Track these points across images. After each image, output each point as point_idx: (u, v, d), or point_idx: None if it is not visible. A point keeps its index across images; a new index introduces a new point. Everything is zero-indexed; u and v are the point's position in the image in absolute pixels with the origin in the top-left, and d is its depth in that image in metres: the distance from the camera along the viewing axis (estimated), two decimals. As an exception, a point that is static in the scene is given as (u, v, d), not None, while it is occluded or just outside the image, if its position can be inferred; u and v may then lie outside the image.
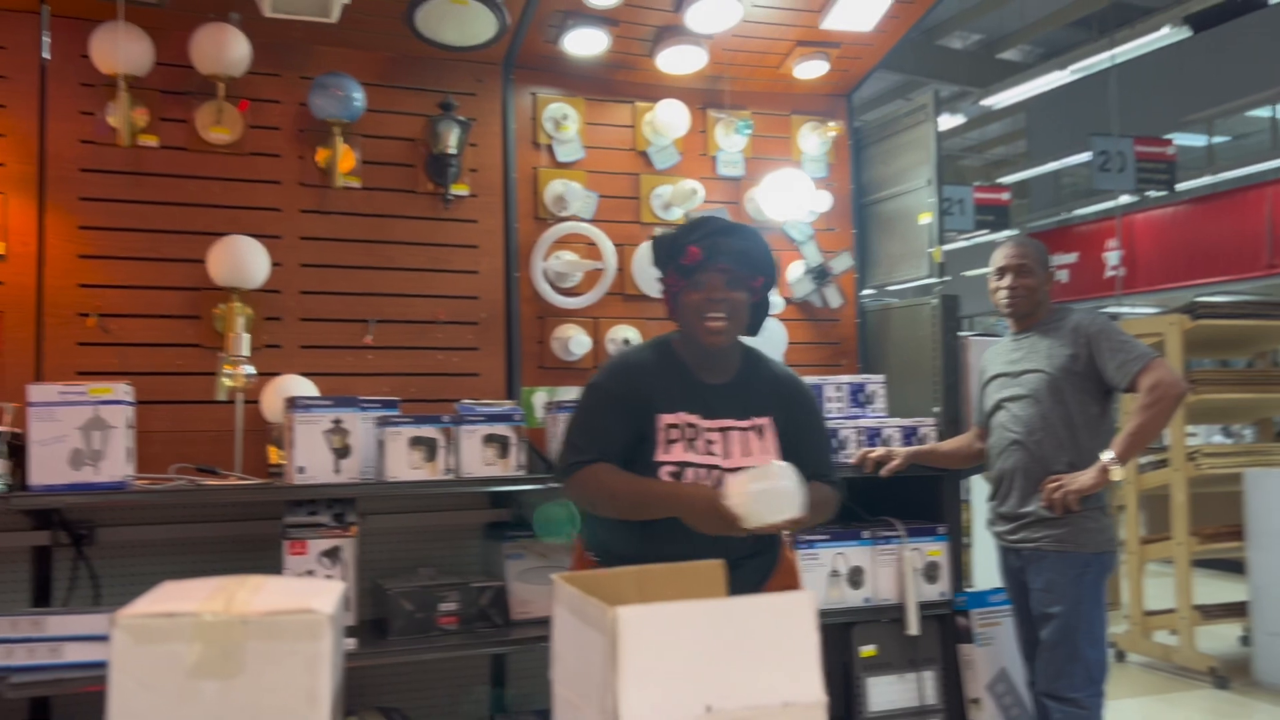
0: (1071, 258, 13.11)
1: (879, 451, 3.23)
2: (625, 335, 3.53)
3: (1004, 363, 3.16)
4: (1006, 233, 12.55)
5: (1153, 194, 11.25)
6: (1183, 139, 13.53)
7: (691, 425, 2.27)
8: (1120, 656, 5.32)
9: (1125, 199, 12.09)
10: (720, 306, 2.23)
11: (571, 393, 3.37)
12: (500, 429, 2.92)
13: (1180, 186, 11.56)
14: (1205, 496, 5.42)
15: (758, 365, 2.41)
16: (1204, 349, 5.88)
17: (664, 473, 2.23)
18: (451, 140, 3.32)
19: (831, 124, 3.82)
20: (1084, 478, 2.93)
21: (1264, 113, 13.22)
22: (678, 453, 2.24)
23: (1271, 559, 4.76)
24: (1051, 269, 3.19)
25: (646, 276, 3.57)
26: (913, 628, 3.24)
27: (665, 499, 2.17)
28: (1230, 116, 13.86)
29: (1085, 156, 11.48)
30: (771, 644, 1.22)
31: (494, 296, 3.45)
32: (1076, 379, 2.98)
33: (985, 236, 12.52)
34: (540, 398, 3.43)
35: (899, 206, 3.76)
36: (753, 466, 2.13)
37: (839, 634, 3.29)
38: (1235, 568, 5.41)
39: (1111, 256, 12.12)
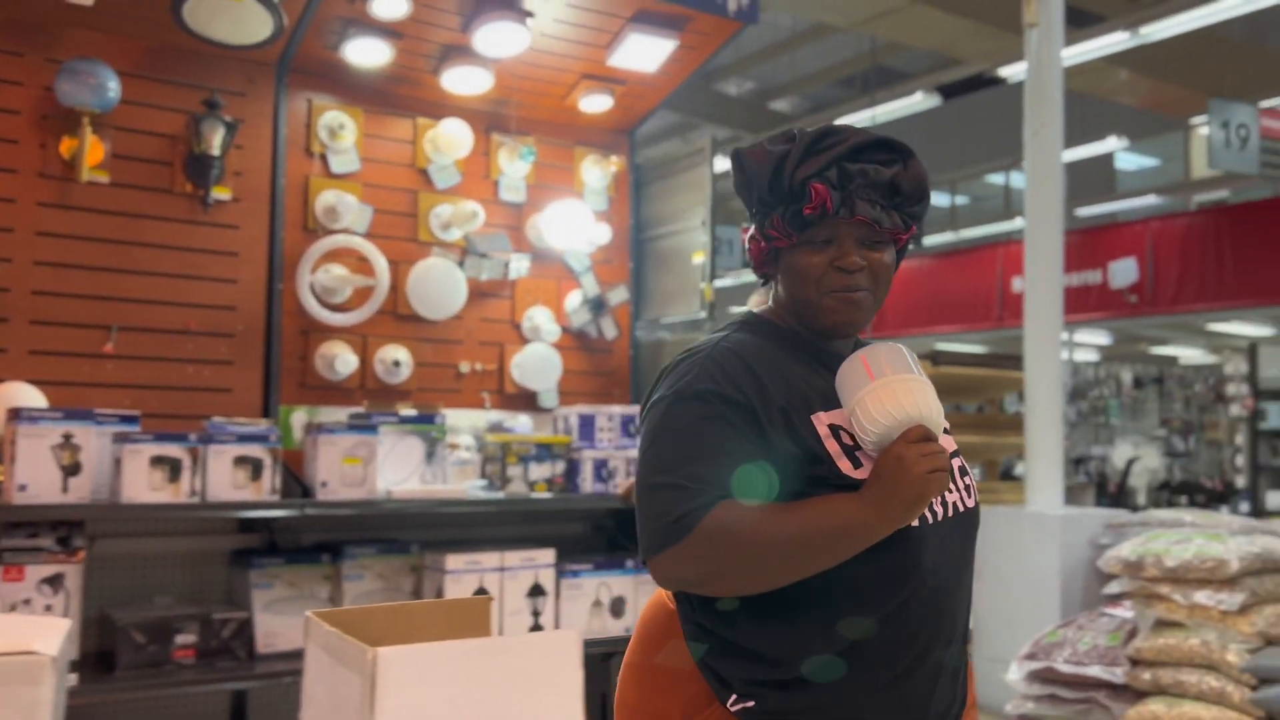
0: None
1: None
2: (396, 356, 3.43)
3: None
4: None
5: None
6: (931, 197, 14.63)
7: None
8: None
9: (878, 249, 12.92)
10: (859, 276, 1.41)
11: (335, 414, 3.24)
12: (253, 450, 2.75)
13: (926, 241, 12.49)
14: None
15: (860, 342, 1.57)
16: (941, 394, 6.35)
17: None
18: (215, 140, 3.13)
19: (614, 158, 3.88)
20: None
21: (999, 179, 14.52)
22: (868, 459, 1.37)
23: (991, 590, 5.16)
24: None
25: (422, 295, 3.48)
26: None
27: (840, 509, 1.30)
28: (971, 180, 15.14)
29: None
30: (536, 683, 1.20)
31: (254, 308, 3.26)
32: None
33: (753, 275, 13.05)
34: (300, 418, 3.27)
35: (674, 244, 3.85)
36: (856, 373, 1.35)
37: (598, 665, 3.30)
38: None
39: (864, 301, 12.91)
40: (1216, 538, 3.96)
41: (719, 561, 1.32)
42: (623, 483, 3.30)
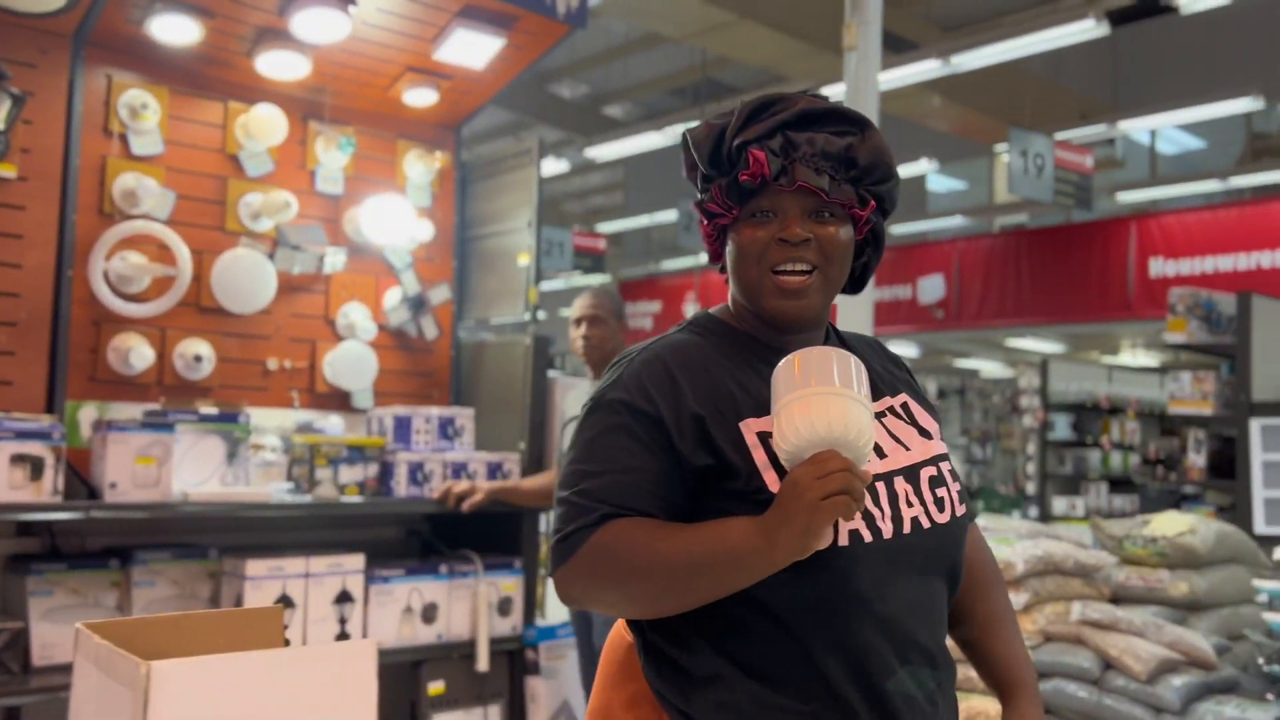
0: (655, 307, 14.08)
1: (463, 485, 3.22)
2: (197, 351, 3.25)
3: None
4: (601, 276, 13.21)
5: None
6: (755, 209, 15.05)
7: None
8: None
9: (705, 258, 13.20)
10: (803, 251, 1.28)
11: (128, 410, 3.04)
12: (33, 447, 2.55)
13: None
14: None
15: (835, 334, 1.46)
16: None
17: None
18: None
19: (438, 153, 3.80)
20: None
21: (821, 194, 15.05)
22: None
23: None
24: (625, 319, 3.41)
25: (228, 287, 3.31)
26: (483, 663, 3.24)
27: (730, 533, 1.20)
28: (794, 194, 15.64)
29: (673, 215, 12.41)
30: (328, 695, 1.15)
31: (40, 295, 3.03)
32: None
33: (583, 279, 13.11)
34: (88, 414, 3.05)
35: (500, 244, 3.81)
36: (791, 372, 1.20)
37: (408, 672, 3.22)
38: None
39: (689, 309, 13.16)
40: (1005, 541, 4.20)
41: (600, 583, 1.24)
42: (439, 486, 3.23)
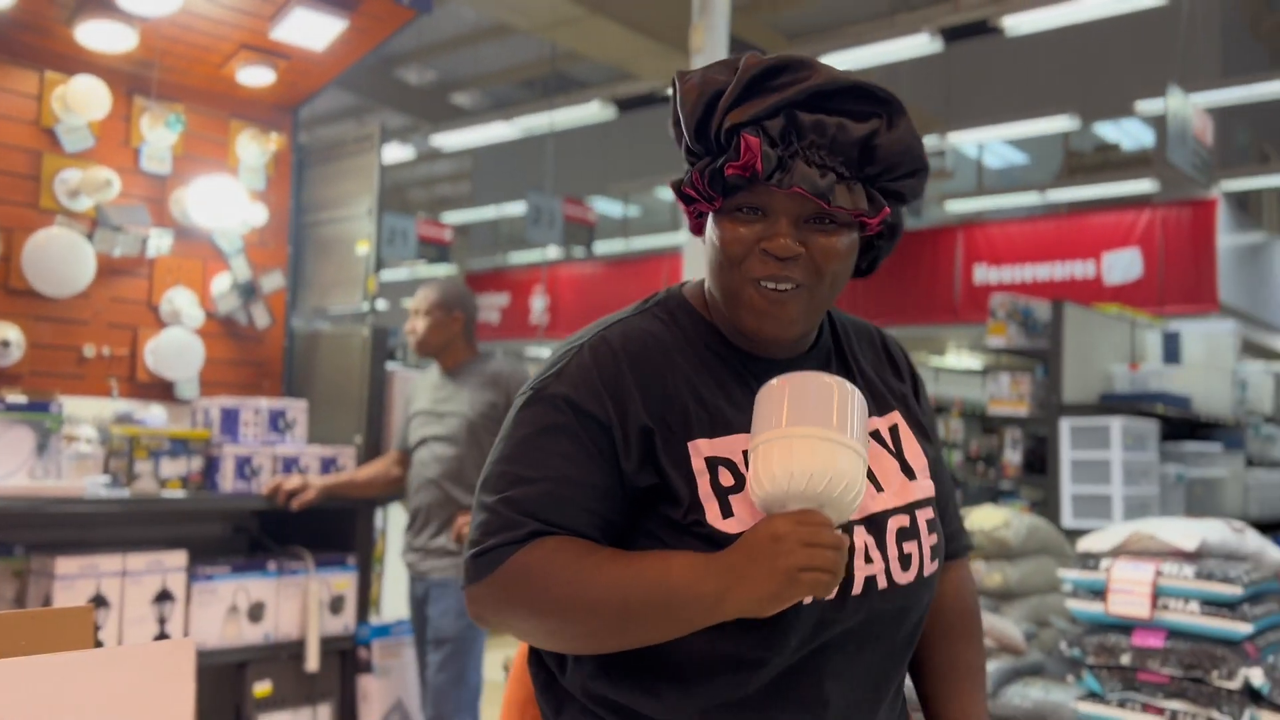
0: (503, 299, 13.97)
1: (294, 481, 3.12)
2: (5, 336, 3.04)
3: (431, 399, 3.31)
4: (446, 267, 13.02)
5: (579, 251, 12.39)
6: (604, 205, 15.13)
7: None
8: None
9: (554, 252, 13.18)
10: (790, 269, 1.07)
11: (-77, 398, 2.82)
12: None
13: (599, 248, 12.88)
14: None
15: (842, 327, 1.26)
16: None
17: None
18: None
19: (274, 135, 3.66)
20: None
21: (668, 194, 15.25)
22: (749, 510, 1.06)
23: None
24: (461, 313, 3.35)
25: (40, 269, 3.11)
26: (313, 663, 3.15)
27: (675, 572, 1.02)
28: (642, 192, 15.79)
29: (521, 208, 12.35)
30: (140, 699, 1.09)
31: None
32: (494, 423, 3.17)
33: (428, 269, 12.88)
34: (-123, 401, 2.82)
35: (338, 231, 3.71)
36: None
37: (233, 673, 3.10)
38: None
39: (538, 303, 13.11)
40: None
41: (515, 611, 1.05)
42: (269, 481, 3.12)
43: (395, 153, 11.69)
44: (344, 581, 3.28)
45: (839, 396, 1.02)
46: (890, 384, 1.23)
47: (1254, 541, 2.71)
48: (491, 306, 13.97)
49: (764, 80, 1.05)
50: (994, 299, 5.69)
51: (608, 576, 1.02)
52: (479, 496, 1.11)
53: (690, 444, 1.08)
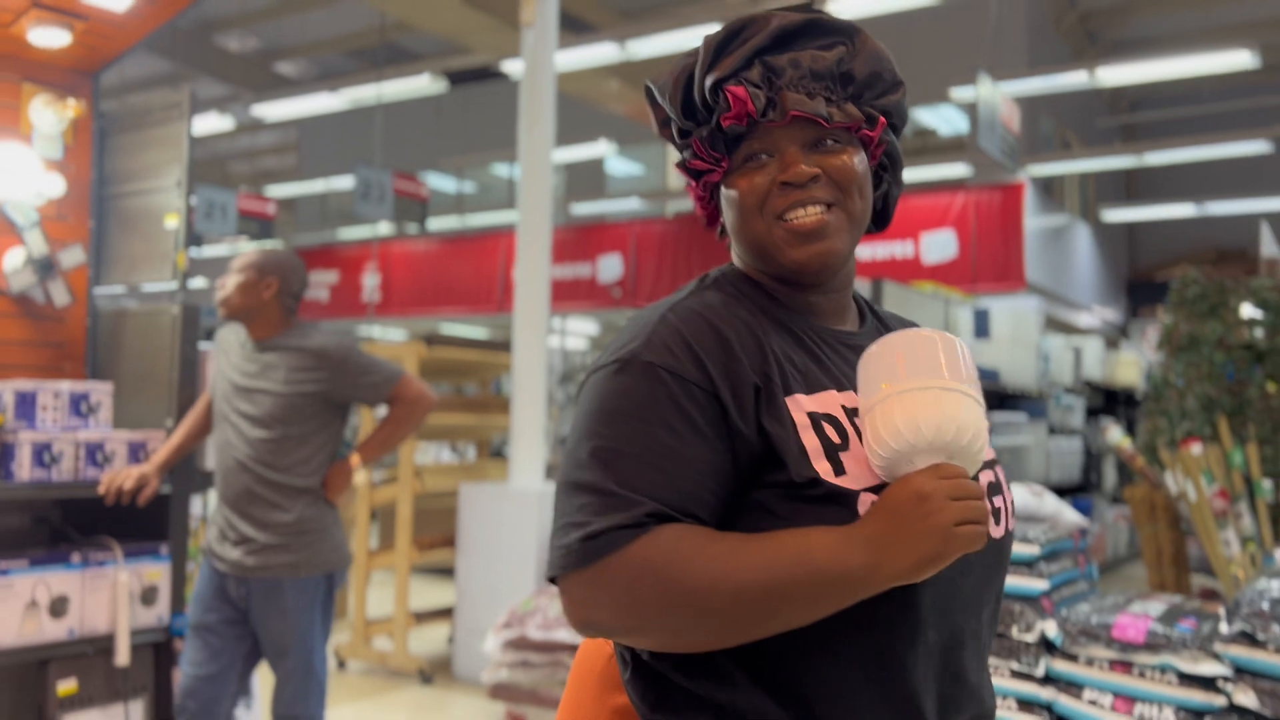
0: (332, 277, 13.55)
1: (133, 477, 2.95)
2: None
3: (241, 372, 3.07)
4: (271, 243, 12.52)
5: (412, 228, 12.12)
6: (436, 180, 14.85)
7: (853, 413, 1.06)
8: (341, 665, 5.55)
9: (385, 228, 12.86)
10: (813, 191, 1.08)
11: None
12: None
13: (433, 224, 12.64)
14: (436, 509, 5.93)
15: (870, 309, 1.26)
16: (439, 375, 6.46)
17: (864, 506, 1.00)
18: None
19: (72, 101, 3.43)
20: (334, 481, 3.02)
21: (504, 170, 15.10)
22: (860, 468, 1.01)
23: (476, 564, 5.36)
24: (275, 279, 3.12)
25: None
26: (123, 658, 3.00)
27: (816, 549, 0.95)
28: (477, 168, 15.58)
29: (350, 181, 12.00)
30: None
31: None
32: (316, 400, 3.03)
33: (250, 246, 12.35)
34: None
35: (145, 204, 3.51)
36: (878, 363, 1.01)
37: (34, 672, 2.92)
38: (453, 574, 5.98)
39: (369, 281, 12.78)
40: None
41: (641, 606, 0.95)
42: (104, 481, 2.95)
43: (213, 123, 11.15)
44: (156, 571, 3.13)
45: (945, 346, 1.00)
46: None
47: (1051, 504, 2.90)
48: (320, 284, 13.53)
49: (728, 43, 1.11)
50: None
51: (748, 560, 0.94)
52: (576, 476, 1.00)
53: (790, 399, 1.02)
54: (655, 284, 11.48)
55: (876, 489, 0.99)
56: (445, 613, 5.76)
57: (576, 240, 11.91)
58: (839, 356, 1.11)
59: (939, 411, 0.95)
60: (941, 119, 13.27)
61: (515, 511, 5.22)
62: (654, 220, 12.30)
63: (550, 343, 11.74)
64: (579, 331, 14.82)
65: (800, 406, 1.02)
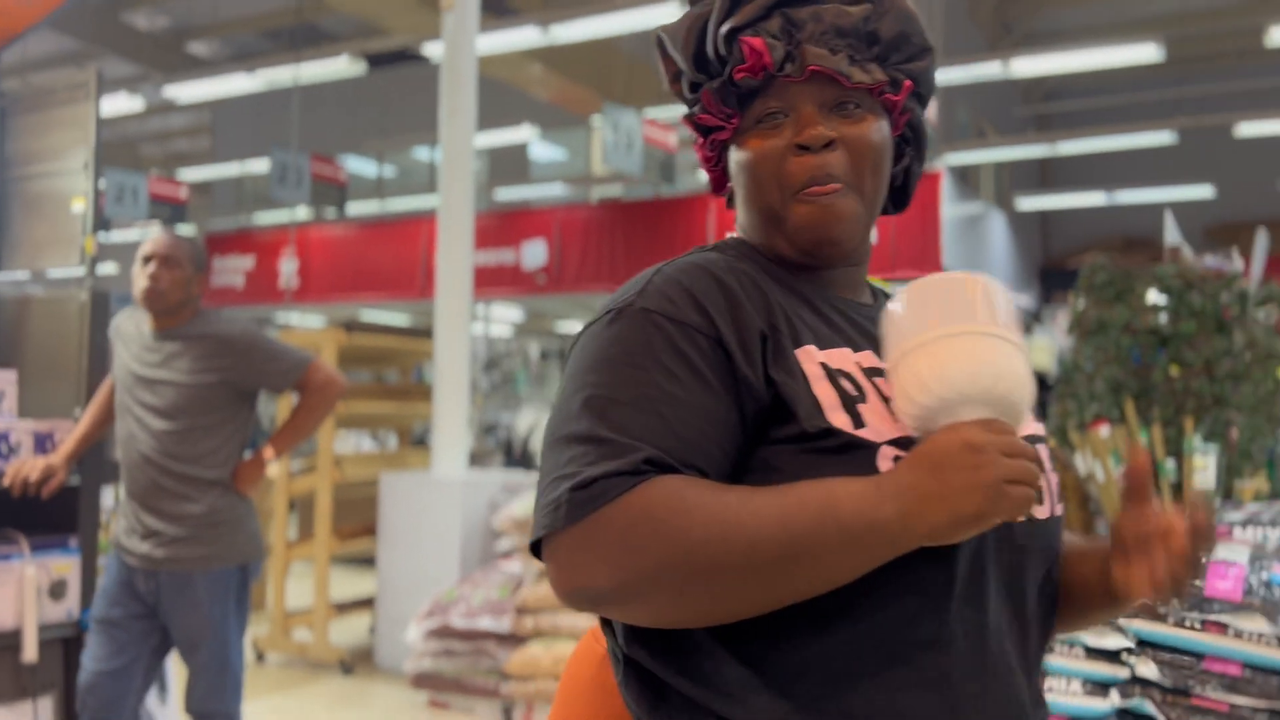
0: (248, 263, 13.25)
1: (39, 469, 2.86)
2: None
3: (142, 363, 2.95)
4: (184, 227, 12.20)
5: (331, 213, 11.91)
6: (356, 164, 14.61)
7: (871, 372, 0.96)
8: (260, 657, 5.46)
9: (303, 213, 12.62)
10: (828, 157, 0.99)
11: None
12: None
13: (352, 209, 12.44)
14: (356, 499, 5.85)
15: (877, 291, 1.18)
16: (359, 362, 6.37)
17: (884, 464, 0.90)
18: None
19: (-30, 79, 3.30)
20: (246, 474, 2.96)
21: (425, 153, 14.91)
22: (880, 421, 0.92)
23: (397, 553, 5.31)
24: (205, 273, 3.08)
25: None
26: (30, 654, 2.91)
27: (840, 496, 0.84)
28: (398, 151, 15.36)
29: (266, 165, 11.75)
30: None
31: None
32: (222, 389, 2.95)
33: (161, 230, 12.02)
34: None
35: (50, 187, 3.39)
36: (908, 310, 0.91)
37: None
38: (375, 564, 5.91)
39: (286, 266, 12.53)
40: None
41: (639, 564, 0.82)
42: (8, 472, 2.85)
43: (123, 104, 10.80)
44: (65, 565, 3.04)
45: (977, 288, 0.88)
46: None
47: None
48: (235, 270, 13.22)
49: None
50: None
51: (764, 509, 0.82)
52: (558, 430, 0.90)
53: (801, 350, 0.94)
54: (580, 270, 11.45)
55: (902, 444, 0.90)
56: (366, 603, 5.70)
57: (500, 226, 11.81)
58: (850, 324, 1.01)
59: (976, 358, 0.84)
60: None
61: (437, 500, 5.18)
62: (579, 206, 12.26)
63: (474, 329, 11.66)
64: (503, 318, 14.73)
65: (812, 358, 0.94)
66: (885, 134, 1.03)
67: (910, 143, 1.10)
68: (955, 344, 0.85)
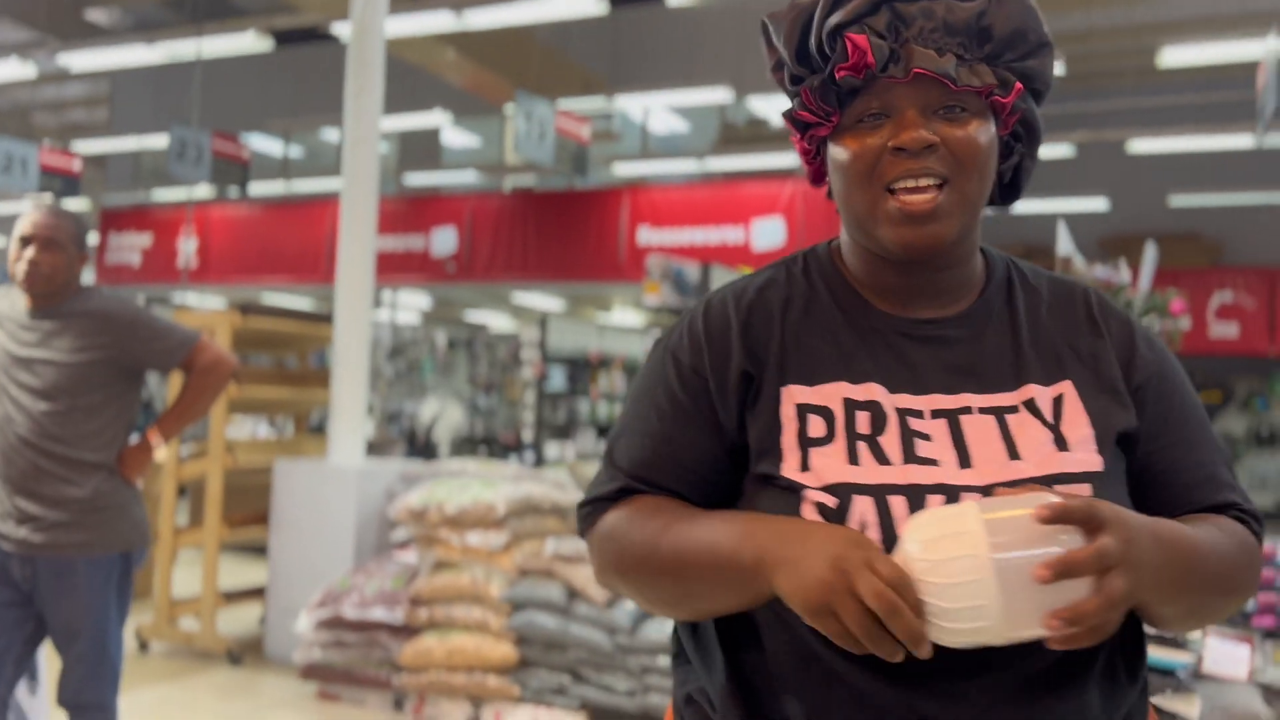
0: (145, 240, 12.82)
1: None
2: None
3: (18, 341, 2.82)
4: (77, 201, 11.74)
5: (233, 191, 11.58)
6: (261, 143, 14.24)
7: (869, 406, 1.01)
8: (143, 646, 5.29)
9: (204, 190, 12.25)
10: (927, 161, 0.98)
11: None
12: None
13: (256, 189, 12.11)
14: (248, 486, 5.70)
15: (1014, 276, 1.12)
16: (257, 346, 6.21)
17: (807, 509, 0.96)
18: None
19: None
20: (133, 460, 2.86)
21: (334, 135, 14.60)
22: (831, 464, 0.97)
23: (290, 542, 5.19)
24: (86, 251, 2.94)
25: None
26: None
27: (721, 532, 0.96)
28: (306, 132, 15.01)
29: (164, 140, 11.37)
30: None
31: None
32: (104, 368, 2.84)
33: (55, 202, 11.54)
34: None
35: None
36: (1000, 496, 0.89)
37: None
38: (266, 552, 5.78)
39: (185, 245, 12.16)
40: (490, 485, 4.41)
41: (606, 571, 1.08)
42: None
43: (15, 70, 10.33)
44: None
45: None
46: (1079, 346, 1.07)
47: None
48: (132, 247, 12.78)
49: None
50: (649, 260, 5.96)
51: (672, 536, 0.98)
52: (607, 444, 1.12)
53: (784, 389, 1.02)
54: (491, 259, 11.34)
55: (837, 490, 0.95)
56: (257, 592, 5.56)
57: (409, 211, 11.64)
58: (888, 347, 1.03)
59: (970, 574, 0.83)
60: (775, 109, 13.60)
61: (333, 488, 5.08)
62: (491, 194, 12.15)
63: (378, 316, 11.46)
64: (410, 305, 14.53)
65: (791, 398, 1.01)
66: (991, 135, 1.01)
67: (1021, 139, 1.08)
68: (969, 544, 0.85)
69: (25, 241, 2.79)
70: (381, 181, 5.92)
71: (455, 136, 14.36)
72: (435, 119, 11.44)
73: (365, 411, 5.45)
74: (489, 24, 7.85)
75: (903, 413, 1.00)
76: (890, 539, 0.92)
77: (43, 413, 2.77)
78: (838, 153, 1.03)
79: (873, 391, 0.98)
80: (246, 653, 5.21)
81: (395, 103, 6.10)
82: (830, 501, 0.94)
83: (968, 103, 0.99)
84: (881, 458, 0.97)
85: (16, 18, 12.01)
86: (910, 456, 0.97)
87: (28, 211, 2.86)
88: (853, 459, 0.97)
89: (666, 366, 1.08)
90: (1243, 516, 1.04)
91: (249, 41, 8.63)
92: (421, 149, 14.06)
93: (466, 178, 13.54)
